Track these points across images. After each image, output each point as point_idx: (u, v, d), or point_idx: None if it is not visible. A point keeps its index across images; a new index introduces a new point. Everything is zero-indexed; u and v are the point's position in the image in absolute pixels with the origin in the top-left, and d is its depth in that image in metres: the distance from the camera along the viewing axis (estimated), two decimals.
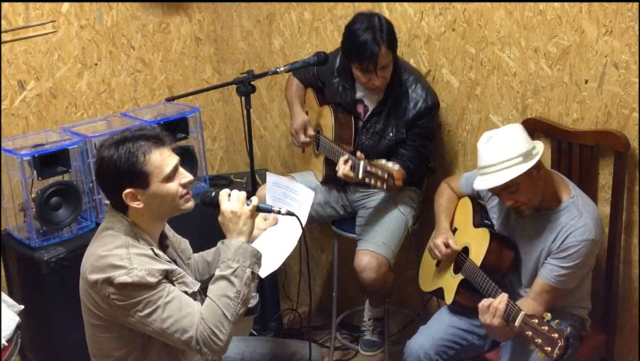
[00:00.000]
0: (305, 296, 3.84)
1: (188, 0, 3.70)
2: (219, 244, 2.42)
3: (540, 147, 2.38)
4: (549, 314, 2.15)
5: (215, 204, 2.15)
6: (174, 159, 2.09)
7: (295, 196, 2.43)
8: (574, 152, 2.67)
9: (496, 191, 2.42)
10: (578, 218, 2.37)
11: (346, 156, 2.75)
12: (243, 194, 2.13)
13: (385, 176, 2.52)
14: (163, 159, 2.06)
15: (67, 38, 3.27)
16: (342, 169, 2.74)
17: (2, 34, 2.92)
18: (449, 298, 2.63)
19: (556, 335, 2.08)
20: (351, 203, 3.12)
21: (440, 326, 2.62)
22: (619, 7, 2.47)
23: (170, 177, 2.07)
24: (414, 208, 3.01)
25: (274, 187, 2.51)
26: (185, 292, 2.08)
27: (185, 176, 2.11)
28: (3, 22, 3.02)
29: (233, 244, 2.07)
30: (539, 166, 2.35)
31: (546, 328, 2.11)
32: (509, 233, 2.56)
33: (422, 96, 2.85)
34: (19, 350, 2.45)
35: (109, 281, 1.99)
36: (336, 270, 3.22)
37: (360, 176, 2.62)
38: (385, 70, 2.79)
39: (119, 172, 2.03)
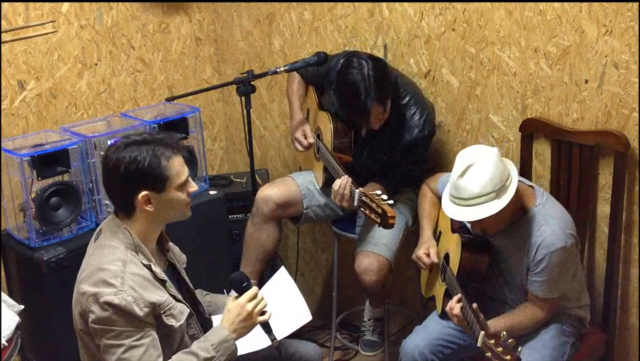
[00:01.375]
0: (306, 296, 3.84)
1: (188, 0, 3.69)
2: (198, 292, 2.46)
3: (514, 175, 2.35)
4: (505, 333, 2.14)
5: (239, 291, 2.18)
6: (186, 169, 2.15)
7: (292, 309, 2.38)
8: (574, 152, 2.67)
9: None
10: (545, 226, 2.35)
11: (344, 180, 2.73)
12: (263, 305, 2.16)
13: (380, 211, 2.49)
14: (180, 166, 2.11)
15: (67, 38, 3.27)
16: (338, 189, 2.73)
17: (2, 34, 2.91)
18: (439, 307, 2.63)
19: (509, 357, 2.07)
20: None
21: (435, 326, 2.62)
22: (619, 7, 2.47)
23: (183, 186, 2.12)
24: (412, 207, 3.00)
25: (280, 286, 2.46)
26: (172, 326, 2.09)
27: (192, 185, 2.17)
28: (3, 22, 3.02)
29: (223, 335, 2.11)
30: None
31: (501, 349, 2.10)
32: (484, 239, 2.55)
33: (418, 125, 2.81)
34: (19, 350, 2.45)
35: (95, 298, 2.01)
36: (336, 270, 3.22)
37: (355, 203, 2.63)
38: (381, 115, 2.74)
39: (140, 172, 2.04)
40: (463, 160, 2.34)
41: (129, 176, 2.05)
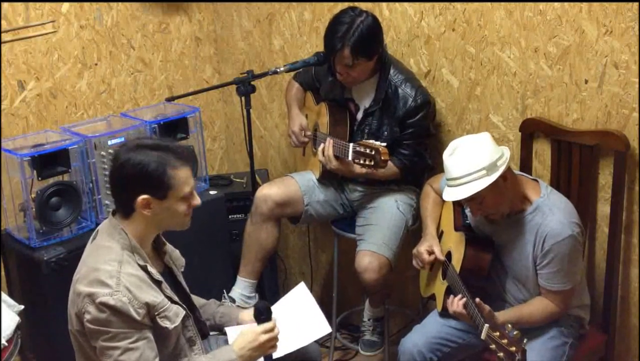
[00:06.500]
0: None
1: (188, 0, 3.70)
2: (211, 301, 2.51)
3: (507, 155, 2.36)
4: (509, 326, 2.14)
5: (260, 319, 2.22)
6: (192, 182, 2.14)
7: (311, 321, 2.41)
8: (574, 152, 2.67)
9: (463, 202, 2.43)
10: (550, 217, 2.36)
11: (332, 140, 2.81)
12: (276, 341, 2.21)
13: (373, 152, 2.55)
14: (186, 178, 2.10)
15: (67, 38, 3.27)
16: (326, 150, 2.82)
17: (2, 34, 2.91)
18: (439, 305, 2.63)
19: (514, 348, 2.07)
20: (351, 202, 3.12)
21: (434, 325, 2.62)
22: (619, 7, 2.47)
23: (185, 198, 2.12)
24: (413, 207, 3.01)
25: (298, 300, 2.49)
26: (166, 327, 2.10)
27: (196, 199, 2.17)
28: (3, 22, 3.02)
29: (231, 357, 2.16)
30: (505, 176, 2.34)
31: (506, 341, 2.10)
32: (487, 235, 2.55)
33: (411, 95, 2.84)
34: (19, 350, 2.45)
35: (91, 298, 2.01)
36: (336, 270, 3.22)
37: (350, 157, 2.65)
38: (351, 69, 2.80)
39: (144, 176, 2.05)
40: (453, 143, 2.39)
41: (132, 178, 2.06)
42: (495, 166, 2.31)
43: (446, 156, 2.37)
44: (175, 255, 2.37)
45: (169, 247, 2.35)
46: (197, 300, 2.45)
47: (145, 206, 2.08)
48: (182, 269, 2.38)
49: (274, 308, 2.45)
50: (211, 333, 2.43)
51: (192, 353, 2.21)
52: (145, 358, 2.03)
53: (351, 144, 2.66)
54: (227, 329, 2.39)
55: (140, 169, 2.04)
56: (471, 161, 2.30)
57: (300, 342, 2.33)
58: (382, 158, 2.53)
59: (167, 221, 2.16)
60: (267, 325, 2.20)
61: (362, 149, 2.59)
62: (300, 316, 2.43)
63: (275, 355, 2.25)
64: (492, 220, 2.49)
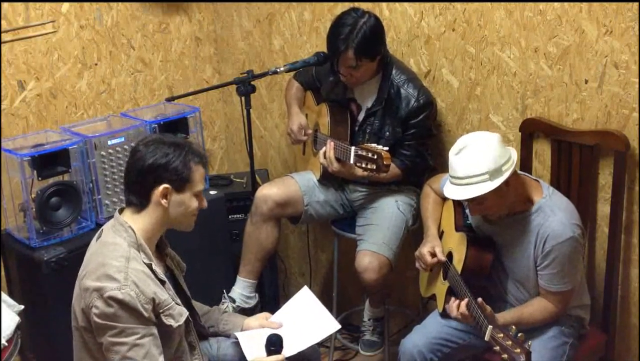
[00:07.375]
0: None
1: (188, 0, 3.70)
2: (215, 308, 2.55)
3: (514, 158, 2.35)
4: (513, 327, 2.14)
5: (270, 350, 2.26)
6: (204, 182, 2.25)
7: (318, 321, 2.45)
8: (574, 152, 2.67)
9: (462, 201, 2.44)
10: (552, 218, 2.36)
11: (333, 143, 2.81)
12: None
13: (375, 157, 2.54)
14: (202, 176, 2.21)
15: (67, 38, 3.27)
16: (327, 152, 2.82)
17: (2, 34, 2.91)
18: (440, 305, 2.63)
19: (518, 350, 2.07)
20: (351, 202, 3.12)
21: (434, 326, 2.62)
22: (619, 7, 2.47)
23: (198, 195, 2.21)
24: (413, 207, 3.01)
25: (303, 302, 2.52)
26: (170, 325, 2.11)
27: (204, 201, 2.25)
28: (3, 22, 3.02)
29: None
30: (508, 181, 2.32)
31: (510, 342, 2.10)
32: (488, 235, 2.55)
33: (414, 95, 2.84)
34: (19, 350, 2.45)
35: (99, 293, 2.02)
36: (336, 270, 3.22)
37: (352, 160, 2.65)
38: (355, 70, 2.81)
39: (169, 165, 2.13)
40: (461, 141, 2.38)
41: (157, 168, 2.12)
42: (500, 172, 2.29)
43: (452, 153, 2.36)
44: (176, 259, 2.39)
45: (171, 251, 2.36)
46: (200, 307, 2.46)
47: (164, 195, 2.13)
48: (184, 274, 2.39)
49: (279, 312, 2.46)
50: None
51: (193, 357, 2.22)
52: (151, 355, 2.04)
53: (353, 148, 2.65)
54: (237, 334, 2.41)
55: (168, 159, 2.12)
56: (475, 163, 2.29)
57: (310, 340, 2.35)
58: (385, 163, 2.52)
59: (176, 218, 2.20)
60: (277, 357, 2.23)
61: (364, 153, 2.58)
62: (308, 317, 2.45)
63: (286, 354, 2.26)
64: (493, 221, 2.49)
